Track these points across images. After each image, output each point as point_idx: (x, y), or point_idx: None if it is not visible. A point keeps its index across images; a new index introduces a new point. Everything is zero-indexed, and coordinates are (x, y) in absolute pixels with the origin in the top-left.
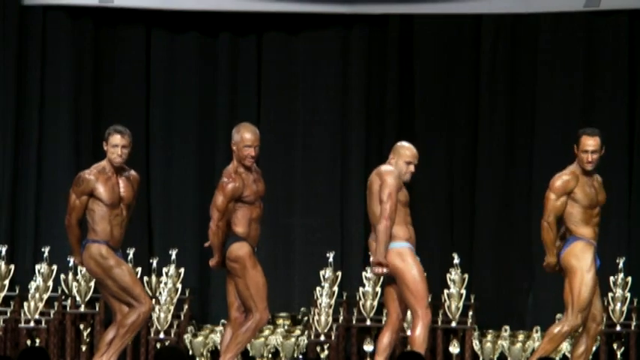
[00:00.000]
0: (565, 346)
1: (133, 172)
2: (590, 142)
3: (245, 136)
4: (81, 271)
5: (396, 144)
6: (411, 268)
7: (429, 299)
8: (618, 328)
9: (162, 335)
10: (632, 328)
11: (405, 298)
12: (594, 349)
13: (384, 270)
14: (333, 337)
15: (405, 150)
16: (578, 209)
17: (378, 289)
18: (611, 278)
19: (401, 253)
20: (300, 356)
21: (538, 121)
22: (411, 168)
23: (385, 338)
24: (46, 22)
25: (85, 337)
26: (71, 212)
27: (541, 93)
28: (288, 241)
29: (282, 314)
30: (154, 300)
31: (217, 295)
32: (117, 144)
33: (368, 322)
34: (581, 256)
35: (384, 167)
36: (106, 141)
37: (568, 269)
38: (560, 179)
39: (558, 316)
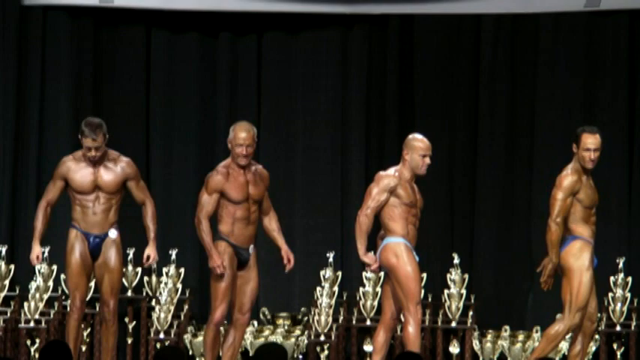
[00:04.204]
0: (565, 346)
1: (123, 158)
2: (592, 140)
3: (238, 134)
4: None
5: (408, 137)
6: (404, 265)
7: (421, 297)
8: (618, 328)
9: (162, 335)
10: (632, 328)
11: (397, 294)
12: (594, 348)
13: (373, 267)
14: (333, 337)
15: (419, 142)
16: (580, 209)
17: (378, 289)
18: (611, 278)
19: (395, 249)
20: (300, 356)
21: (538, 120)
22: (427, 160)
23: (380, 337)
24: (46, 22)
25: (85, 337)
26: (44, 193)
27: (541, 93)
28: (289, 241)
29: (282, 314)
30: (154, 300)
31: None
32: (89, 146)
33: (368, 322)
34: (579, 255)
35: (384, 171)
36: (79, 136)
37: (566, 268)
38: (568, 179)
39: (558, 315)
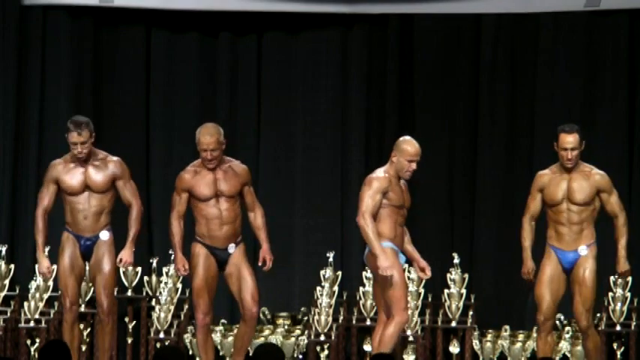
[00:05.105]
0: (565, 346)
1: (112, 158)
2: (569, 140)
3: (200, 139)
4: None
5: (398, 139)
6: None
7: (408, 301)
8: (618, 328)
9: (162, 335)
10: (632, 328)
11: (384, 298)
12: None
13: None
14: (333, 337)
15: (407, 146)
16: (546, 208)
17: None
18: (611, 278)
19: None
20: (300, 356)
21: (538, 120)
22: (413, 166)
23: (379, 337)
24: (46, 22)
25: (85, 337)
26: (38, 201)
27: (541, 93)
28: (289, 241)
29: (282, 314)
30: (154, 300)
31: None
32: (75, 142)
33: (368, 322)
34: (542, 260)
35: (373, 174)
36: (66, 134)
37: None
38: (535, 178)
39: (557, 315)
